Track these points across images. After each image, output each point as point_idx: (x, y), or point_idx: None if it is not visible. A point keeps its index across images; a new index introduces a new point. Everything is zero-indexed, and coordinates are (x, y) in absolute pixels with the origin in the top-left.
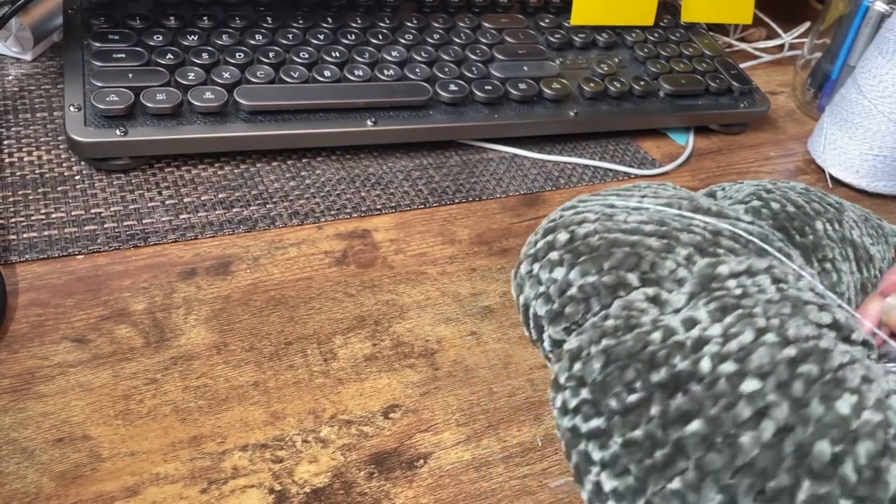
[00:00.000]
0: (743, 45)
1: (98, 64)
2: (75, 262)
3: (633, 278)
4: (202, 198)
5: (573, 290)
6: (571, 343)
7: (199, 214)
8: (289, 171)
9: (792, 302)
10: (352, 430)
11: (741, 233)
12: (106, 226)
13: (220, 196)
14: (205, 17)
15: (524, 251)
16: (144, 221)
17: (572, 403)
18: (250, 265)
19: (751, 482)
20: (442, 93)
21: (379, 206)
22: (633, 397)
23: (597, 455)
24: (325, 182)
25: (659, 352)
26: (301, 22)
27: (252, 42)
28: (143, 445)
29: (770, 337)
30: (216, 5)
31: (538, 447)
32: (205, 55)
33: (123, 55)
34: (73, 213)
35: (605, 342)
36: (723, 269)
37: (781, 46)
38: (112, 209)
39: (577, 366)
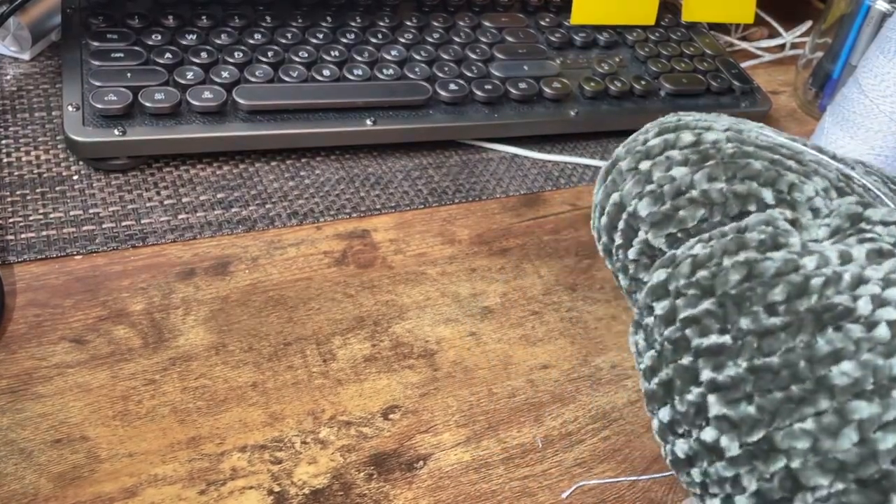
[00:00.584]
0: (744, 45)
1: (96, 63)
2: (73, 262)
3: (767, 195)
4: (201, 198)
5: (694, 193)
6: (696, 248)
7: (198, 214)
8: (288, 170)
9: None
10: (351, 431)
11: (871, 187)
12: (104, 226)
13: (218, 196)
14: (203, 17)
15: (626, 148)
16: (143, 221)
17: (686, 313)
18: (249, 265)
19: None
20: (442, 92)
21: (378, 206)
22: (774, 320)
23: (707, 374)
24: (324, 182)
25: (813, 278)
26: (300, 21)
27: (251, 41)
28: (141, 446)
29: None
30: (215, 4)
31: (538, 448)
32: (203, 54)
33: (122, 54)
34: (72, 214)
35: (745, 255)
36: (873, 214)
37: (783, 46)
38: (110, 209)
39: (704, 274)
